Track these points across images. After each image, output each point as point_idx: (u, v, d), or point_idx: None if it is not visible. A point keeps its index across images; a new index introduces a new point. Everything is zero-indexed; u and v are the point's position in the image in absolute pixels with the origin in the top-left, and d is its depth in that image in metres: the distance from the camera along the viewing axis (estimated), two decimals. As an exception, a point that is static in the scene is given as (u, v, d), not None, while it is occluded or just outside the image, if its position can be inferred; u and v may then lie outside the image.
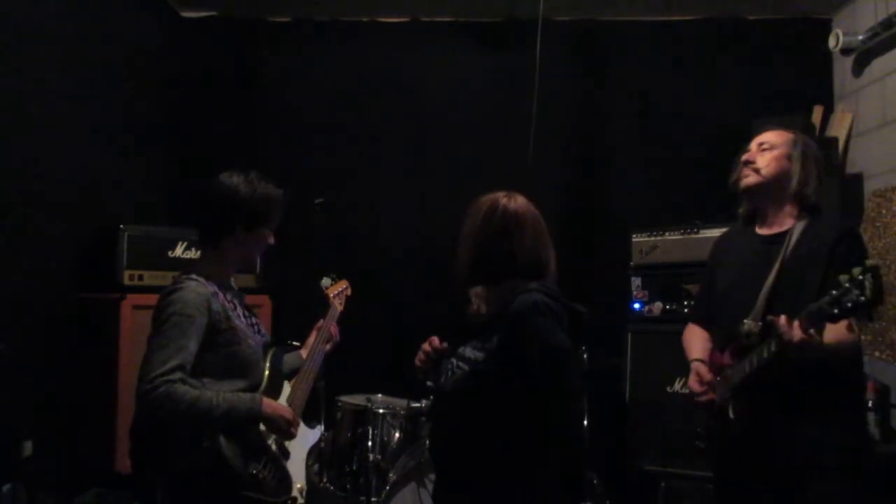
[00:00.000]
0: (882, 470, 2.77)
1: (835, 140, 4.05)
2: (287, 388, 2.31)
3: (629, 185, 4.43)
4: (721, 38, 4.45)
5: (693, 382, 2.29)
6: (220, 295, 2.11)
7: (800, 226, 2.19)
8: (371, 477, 3.22)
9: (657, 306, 3.72)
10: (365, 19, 4.57)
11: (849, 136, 4.14)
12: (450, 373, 1.90)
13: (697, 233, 3.65)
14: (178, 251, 3.45)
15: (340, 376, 3.49)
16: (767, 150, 2.26)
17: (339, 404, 3.44)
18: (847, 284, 1.80)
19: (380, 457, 3.27)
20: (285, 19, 4.62)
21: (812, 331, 1.89)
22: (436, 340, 2.00)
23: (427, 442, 2.96)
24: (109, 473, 3.07)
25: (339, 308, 2.70)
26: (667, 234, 3.75)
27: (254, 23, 4.59)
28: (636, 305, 3.80)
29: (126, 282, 3.29)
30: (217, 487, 1.97)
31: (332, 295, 2.74)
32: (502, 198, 1.98)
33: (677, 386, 3.48)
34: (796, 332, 1.89)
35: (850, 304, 1.79)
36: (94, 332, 3.27)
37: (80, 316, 3.31)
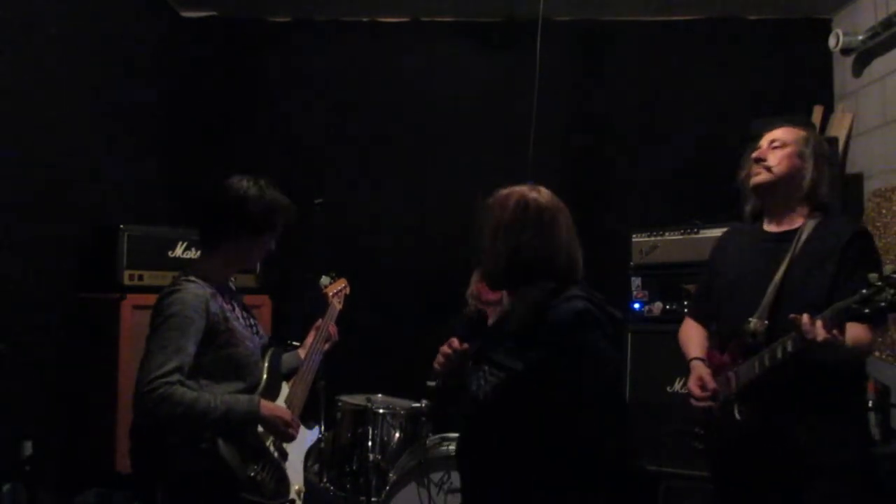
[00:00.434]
0: (882, 470, 2.76)
1: (835, 140, 4.04)
2: (285, 388, 2.31)
3: (629, 185, 4.43)
4: (721, 38, 4.45)
5: (694, 385, 2.23)
6: (219, 296, 2.11)
7: (810, 224, 2.14)
8: (371, 477, 3.22)
9: (657, 306, 3.72)
10: (365, 19, 4.57)
11: (849, 136, 4.13)
12: (482, 380, 1.75)
13: (697, 233, 3.64)
14: (178, 251, 3.45)
15: (340, 376, 3.49)
16: (779, 148, 2.21)
17: (339, 404, 3.44)
18: (879, 283, 1.75)
19: (380, 457, 3.27)
20: (285, 19, 4.62)
21: (836, 331, 1.83)
22: (456, 342, 1.87)
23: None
24: (109, 473, 3.07)
25: (338, 307, 2.69)
26: (667, 234, 3.75)
27: (254, 23, 4.59)
28: (636, 305, 3.79)
29: (126, 282, 3.28)
30: (216, 489, 1.97)
31: (330, 294, 2.73)
32: (530, 191, 1.82)
33: (677, 386, 3.48)
34: (820, 332, 1.82)
35: (883, 304, 1.74)
36: (94, 332, 3.27)
37: (80, 316, 3.31)
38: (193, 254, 3.40)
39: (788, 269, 2.09)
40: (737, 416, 2.09)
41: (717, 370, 2.21)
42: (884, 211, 3.73)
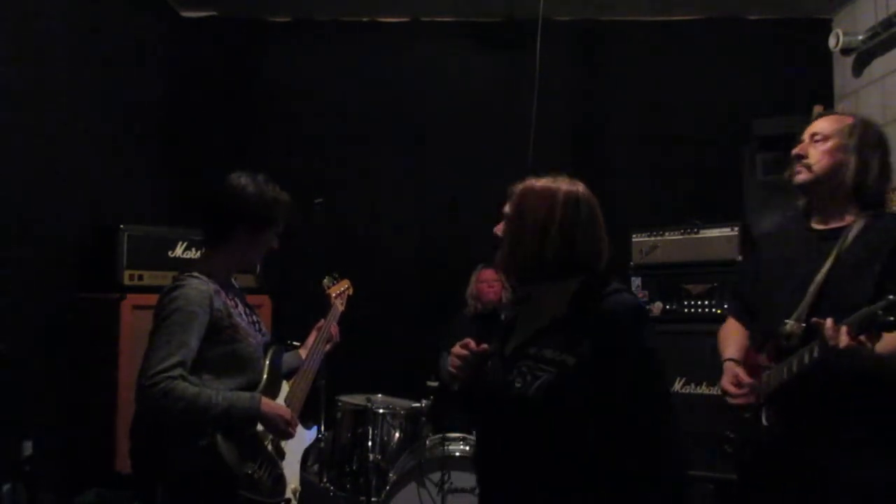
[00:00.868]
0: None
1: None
2: (285, 387, 2.31)
3: (629, 185, 4.43)
4: (721, 37, 4.45)
5: (727, 383, 2.09)
6: (223, 292, 2.12)
7: (860, 222, 1.97)
8: (371, 477, 3.22)
9: (657, 306, 3.72)
10: (365, 19, 4.58)
11: (849, 136, 4.13)
12: (527, 377, 1.65)
13: (697, 233, 3.64)
14: (178, 251, 3.45)
15: (340, 376, 3.49)
16: (820, 142, 2.03)
17: (339, 404, 3.44)
18: None
19: (380, 457, 3.27)
20: (285, 19, 4.63)
21: (863, 337, 1.67)
22: (472, 343, 1.79)
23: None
24: (109, 473, 3.07)
25: (341, 308, 2.69)
26: (667, 234, 3.75)
27: (254, 23, 4.59)
28: (636, 305, 3.79)
29: (126, 282, 3.28)
30: (215, 489, 1.97)
31: (333, 295, 2.73)
32: (572, 185, 1.79)
33: (678, 386, 3.47)
34: (843, 338, 1.68)
35: None
36: (94, 332, 3.27)
37: (80, 316, 3.31)
38: (193, 254, 3.40)
39: (831, 270, 1.94)
40: (764, 421, 1.99)
41: (752, 370, 2.09)
42: (884, 211, 3.72)
